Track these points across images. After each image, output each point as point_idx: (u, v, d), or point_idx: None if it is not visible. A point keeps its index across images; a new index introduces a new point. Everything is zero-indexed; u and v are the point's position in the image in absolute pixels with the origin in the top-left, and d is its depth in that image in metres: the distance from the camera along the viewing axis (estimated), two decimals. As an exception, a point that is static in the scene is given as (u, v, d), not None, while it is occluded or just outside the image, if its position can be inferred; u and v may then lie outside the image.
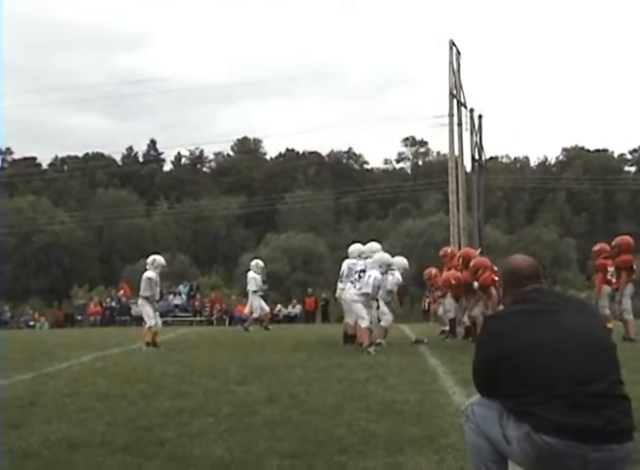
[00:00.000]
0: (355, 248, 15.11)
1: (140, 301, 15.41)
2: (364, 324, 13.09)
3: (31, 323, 37.96)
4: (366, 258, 14.29)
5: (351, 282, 13.77)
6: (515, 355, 3.73)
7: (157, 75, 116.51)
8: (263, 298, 22.38)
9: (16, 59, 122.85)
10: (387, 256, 14.22)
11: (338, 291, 15.08)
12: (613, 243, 15.01)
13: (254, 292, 21.63)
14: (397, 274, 14.90)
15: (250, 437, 6.03)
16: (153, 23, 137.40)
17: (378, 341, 13.86)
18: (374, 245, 15.15)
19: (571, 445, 3.52)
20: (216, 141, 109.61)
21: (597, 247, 15.63)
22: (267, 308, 22.77)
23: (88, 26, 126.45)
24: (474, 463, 3.92)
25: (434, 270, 17.98)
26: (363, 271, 13.62)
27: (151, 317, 14.79)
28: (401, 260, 15.64)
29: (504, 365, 3.75)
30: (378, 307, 14.04)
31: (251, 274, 21.79)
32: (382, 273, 13.58)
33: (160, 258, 15.49)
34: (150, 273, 15.11)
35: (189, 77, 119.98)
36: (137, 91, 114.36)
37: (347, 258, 14.95)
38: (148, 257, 15.73)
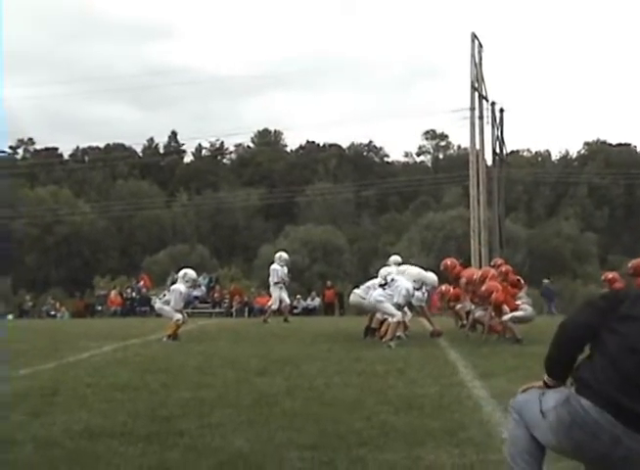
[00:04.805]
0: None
1: (158, 304, 15.50)
2: (396, 319, 13.08)
3: (52, 313, 38.15)
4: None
5: (380, 286, 13.73)
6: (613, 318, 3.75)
7: (184, 67, 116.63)
8: (286, 290, 22.37)
9: (41, 49, 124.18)
10: (424, 273, 14.25)
11: (353, 296, 15.18)
12: (629, 265, 14.97)
13: (276, 283, 21.64)
14: (424, 290, 14.86)
15: (269, 428, 6.05)
16: (181, 14, 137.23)
17: (398, 334, 13.84)
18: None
19: (605, 417, 3.52)
20: (237, 132, 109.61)
21: (610, 275, 16.01)
22: (287, 301, 22.74)
23: (118, 17, 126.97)
24: (509, 454, 3.91)
25: (449, 261, 17.21)
26: (392, 279, 13.62)
27: (175, 313, 14.84)
28: (432, 276, 15.40)
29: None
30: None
31: (272, 266, 21.82)
32: (415, 288, 13.61)
33: (191, 272, 15.54)
34: (181, 287, 15.17)
35: (215, 69, 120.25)
36: (164, 82, 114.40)
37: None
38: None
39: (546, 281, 36.40)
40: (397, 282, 13.46)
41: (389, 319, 13.22)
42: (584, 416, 3.56)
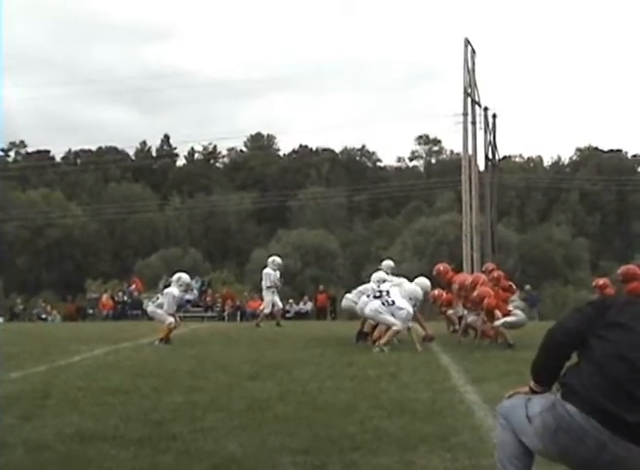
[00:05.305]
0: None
1: (151, 308, 15.44)
2: (397, 327, 13.06)
3: (43, 316, 38.03)
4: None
5: (375, 297, 13.62)
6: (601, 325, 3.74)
7: (183, 69, 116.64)
8: (278, 294, 22.34)
9: (40, 50, 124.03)
10: (419, 290, 14.17)
11: (345, 301, 15.17)
12: (618, 271, 15.02)
13: (268, 288, 21.63)
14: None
15: (262, 433, 6.04)
16: (180, 16, 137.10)
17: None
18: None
19: (591, 422, 3.52)
20: (230, 136, 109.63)
21: (600, 281, 16.17)
22: (280, 305, 22.74)
23: (117, 19, 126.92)
24: (498, 459, 3.94)
25: (442, 266, 17.21)
26: (388, 293, 13.53)
27: (167, 316, 14.79)
28: (424, 281, 15.22)
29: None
30: None
31: (265, 270, 21.80)
32: (412, 305, 13.58)
33: (185, 277, 15.55)
34: (175, 290, 15.15)
35: (214, 71, 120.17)
36: (162, 85, 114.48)
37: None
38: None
39: (528, 287, 36.43)
40: (396, 302, 13.30)
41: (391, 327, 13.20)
42: (570, 422, 3.57)
